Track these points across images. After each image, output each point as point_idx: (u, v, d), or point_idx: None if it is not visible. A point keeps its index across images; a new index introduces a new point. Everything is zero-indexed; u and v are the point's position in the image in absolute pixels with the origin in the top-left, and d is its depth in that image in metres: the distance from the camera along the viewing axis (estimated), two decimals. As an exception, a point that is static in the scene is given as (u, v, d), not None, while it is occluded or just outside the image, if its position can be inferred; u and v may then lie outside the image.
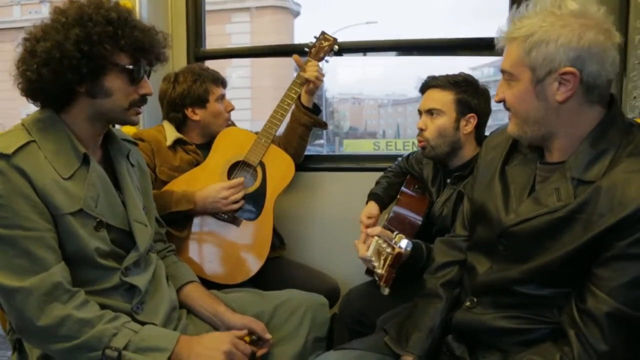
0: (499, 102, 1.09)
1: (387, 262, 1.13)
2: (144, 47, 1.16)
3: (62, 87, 1.13)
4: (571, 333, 0.95)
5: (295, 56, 1.96)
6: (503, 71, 1.05)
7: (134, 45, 1.14)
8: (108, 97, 1.16)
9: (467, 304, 1.14)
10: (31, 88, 1.14)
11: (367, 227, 1.72)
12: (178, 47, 2.29)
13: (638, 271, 0.89)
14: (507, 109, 1.08)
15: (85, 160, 1.17)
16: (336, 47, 1.97)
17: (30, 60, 1.11)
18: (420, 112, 1.68)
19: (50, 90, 1.13)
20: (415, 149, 1.92)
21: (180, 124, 1.90)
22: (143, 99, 1.22)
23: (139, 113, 1.23)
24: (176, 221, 1.72)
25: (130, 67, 1.16)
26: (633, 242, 0.89)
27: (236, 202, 1.76)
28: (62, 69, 1.09)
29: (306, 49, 1.97)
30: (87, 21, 1.10)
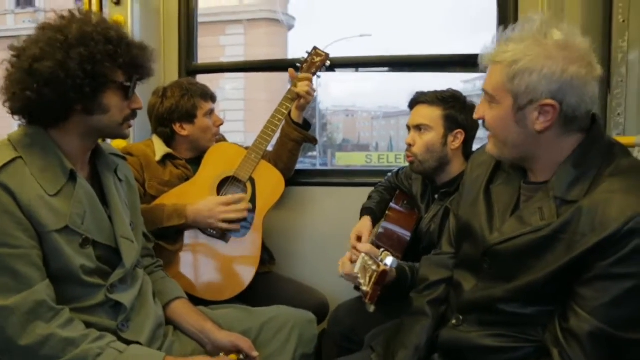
0: (478, 119, 1.10)
1: (372, 280, 1.13)
2: (138, 64, 1.19)
3: (62, 106, 1.13)
4: (554, 352, 0.95)
5: (291, 70, 1.97)
6: (485, 91, 1.06)
7: (130, 63, 1.17)
8: (105, 114, 1.17)
9: (453, 321, 1.14)
10: (29, 107, 1.13)
11: (354, 247, 1.72)
12: (170, 60, 2.29)
13: (619, 291, 0.90)
14: (486, 128, 1.09)
15: (72, 177, 1.16)
16: (328, 62, 1.99)
17: (29, 80, 1.09)
18: (409, 128, 1.70)
19: (49, 109, 1.12)
20: (406, 163, 1.93)
21: (169, 139, 1.90)
22: (134, 113, 1.24)
23: (130, 126, 1.26)
24: (167, 235, 1.71)
25: (127, 84, 1.18)
26: (614, 262, 0.90)
27: (233, 222, 1.75)
28: (65, 89, 1.10)
29: (298, 65, 1.98)
30: (89, 40, 1.11)
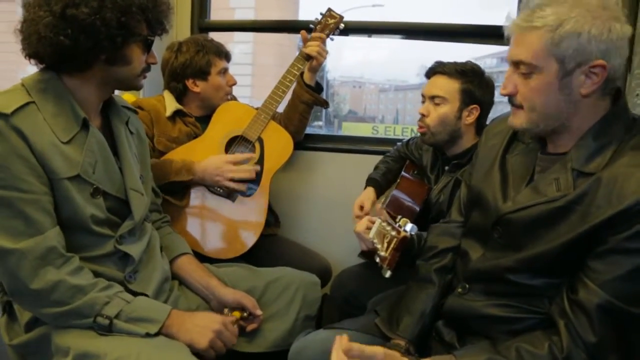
0: (506, 95, 1.04)
1: (392, 246, 1.13)
2: (162, 19, 1.19)
3: (92, 54, 1.11)
4: (561, 323, 0.95)
5: (303, 32, 1.93)
6: (518, 62, 1.00)
7: (156, 18, 1.17)
8: (126, 66, 1.18)
9: (459, 290, 1.14)
10: (59, 52, 1.09)
11: (357, 217, 1.72)
12: (182, 17, 2.25)
13: (632, 265, 0.89)
14: (514, 103, 1.04)
15: (84, 125, 1.15)
16: (342, 25, 1.94)
17: (63, 24, 1.06)
18: (423, 97, 1.67)
19: (79, 56, 1.10)
20: (414, 135, 1.91)
21: (181, 95, 1.88)
22: (149, 67, 1.25)
23: (145, 78, 1.26)
24: (174, 190, 1.71)
25: (151, 37, 1.19)
26: (629, 236, 0.89)
27: (240, 181, 1.74)
28: (99, 38, 1.09)
29: (311, 26, 1.94)
30: None
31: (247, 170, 1.73)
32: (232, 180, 1.72)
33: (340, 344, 0.92)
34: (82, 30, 1.07)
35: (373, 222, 1.31)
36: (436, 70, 1.64)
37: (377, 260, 1.18)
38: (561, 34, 0.93)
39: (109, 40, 1.10)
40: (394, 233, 1.14)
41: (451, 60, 1.64)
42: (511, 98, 1.03)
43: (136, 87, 1.26)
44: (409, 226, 1.13)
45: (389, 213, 1.60)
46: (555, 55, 0.95)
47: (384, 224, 1.21)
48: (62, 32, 1.07)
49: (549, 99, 0.98)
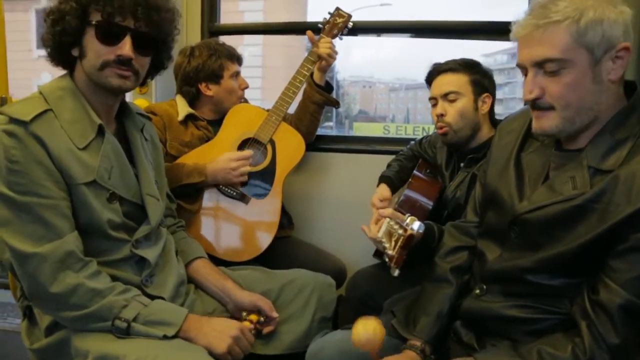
0: (533, 99, 0.98)
1: (399, 244, 1.12)
2: (113, 1, 1.11)
3: (58, 48, 1.15)
4: (582, 324, 0.94)
5: (309, 32, 1.93)
6: (543, 61, 0.95)
7: (106, 2, 1.11)
8: (85, 58, 1.16)
9: (477, 291, 1.13)
10: (50, 52, 1.16)
11: (379, 209, 1.71)
12: (192, 21, 2.26)
13: None
14: (542, 105, 0.98)
15: (100, 132, 1.17)
16: (350, 24, 1.94)
17: (45, 22, 1.14)
18: (433, 100, 1.64)
19: (54, 51, 1.16)
20: (425, 134, 1.90)
21: (194, 99, 1.89)
22: (120, 61, 1.14)
23: (120, 75, 1.15)
24: (187, 194, 1.72)
25: (96, 22, 1.12)
26: None
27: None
28: (51, 29, 1.13)
29: (320, 26, 1.94)
30: None
31: (249, 155, 1.76)
32: (243, 174, 1.73)
33: None
34: (54, 24, 1.12)
35: (379, 219, 1.30)
36: (439, 69, 1.63)
37: (386, 259, 1.18)
38: (586, 23, 0.91)
39: (70, 31, 1.12)
40: (401, 232, 1.14)
41: (460, 57, 1.64)
42: (536, 102, 0.98)
43: (107, 85, 1.16)
44: (416, 224, 1.12)
45: (400, 212, 1.60)
46: (584, 45, 0.92)
47: (392, 222, 1.21)
48: (45, 29, 1.13)
49: (584, 91, 0.95)
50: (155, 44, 1.21)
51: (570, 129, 0.99)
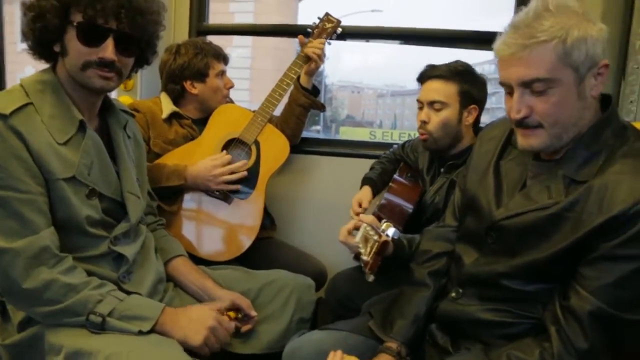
0: (522, 118, 0.98)
1: (373, 250, 1.14)
2: (95, 3, 1.09)
3: (39, 43, 1.14)
4: (552, 329, 0.95)
5: (301, 37, 1.94)
6: (531, 81, 0.95)
7: (86, 3, 1.09)
8: (66, 56, 1.14)
9: (453, 294, 1.14)
10: (30, 46, 1.14)
11: (357, 214, 1.72)
12: (180, 20, 2.26)
13: (622, 272, 0.90)
14: (530, 124, 0.98)
15: (81, 127, 1.16)
16: (339, 29, 1.95)
17: (29, 16, 1.12)
18: (420, 103, 1.65)
19: (34, 46, 1.14)
20: (410, 139, 1.92)
21: (178, 97, 1.89)
22: (103, 63, 1.13)
23: (103, 77, 1.14)
24: (166, 195, 1.71)
25: (77, 23, 1.10)
26: (619, 243, 0.90)
27: (230, 182, 1.75)
28: (31, 25, 1.12)
29: (309, 30, 1.95)
30: None
31: (237, 168, 1.74)
32: (224, 182, 1.73)
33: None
34: (34, 20, 1.11)
35: (358, 227, 1.31)
36: (430, 74, 1.61)
37: (362, 264, 1.19)
38: (572, 42, 0.92)
39: (49, 24, 1.11)
40: (376, 237, 1.15)
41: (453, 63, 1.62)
42: (524, 120, 0.99)
43: (87, 85, 1.15)
44: (391, 230, 1.14)
45: (379, 216, 1.61)
46: (570, 64, 0.93)
47: (369, 228, 1.22)
48: (29, 24, 1.12)
49: (570, 109, 0.97)
50: (138, 44, 1.20)
51: (557, 144, 1.00)
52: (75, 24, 1.11)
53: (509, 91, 1.00)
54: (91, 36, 1.12)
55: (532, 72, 0.94)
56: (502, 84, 1.01)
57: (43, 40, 1.13)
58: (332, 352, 0.99)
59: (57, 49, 1.15)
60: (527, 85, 0.96)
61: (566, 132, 0.98)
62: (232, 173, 1.75)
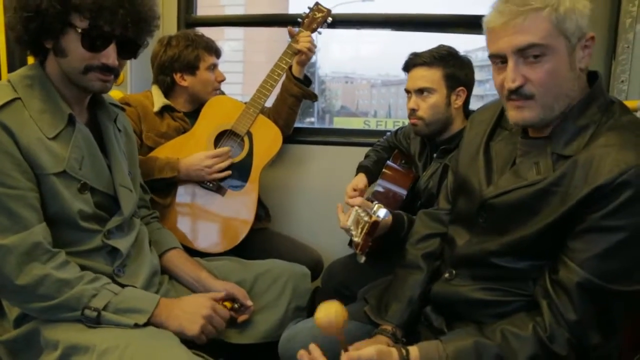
0: (517, 87, 0.97)
1: (364, 230, 1.14)
2: (101, 12, 1.08)
3: (30, 39, 1.12)
4: (543, 303, 0.96)
5: (290, 27, 1.94)
6: (526, 47, 0.95)
7: (90, 9, 1.07)
8: (64, 57, 1.13)
9: (446, 275, 1.15)
10: (13, 34, 1.13)
11: (351, 197, 1.72)
12: (169, 12, 2.24)
13: (609, 243, 0.91)
14: (524, 93, 0.98)
15: (70, 121, 1.15)
16: (330, 19, 1.95)
17: (12, 8, 1.10)
18: (408, 92, 1.66)
19: (24, 39, 1.12)
20: (403, 125, 1.92)
21: (169, 89, 1.88)
22: (105, 67, 1.13)
23: (103, 80, 1.15)
24: (159, 188, 1.71)
25: (82, 30, 1.09)
26: (605, 214, 0.90)
27: (221, 171, 1.75)
28: (25, 24, 1.09)
29: (299, 20, 1.94)
30: None
31: (221, 152, 1.75)
32: (217, 172, 1.73)
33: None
34: (14, 11, 1.09)
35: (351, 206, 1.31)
36: (414, 62, 1.63)
37: (353, 247, 1.19)
38: (564, 11, 0.94)
39: (30, 24, 1.08)
40: (367, 219, 1.15)
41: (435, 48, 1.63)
42: (518, 90, 0.98)
43: (86, 88, 1.16)
44: (382, 212, 1.14)
45: (372, 202, 1.61)
46: (562, 32, 0.95)
47: (360, 210, 1.23)
48: (22, 20, 1.09)
49: (562, 78, 0.97)
50: (138, 48, 1.21)
51: (550, 116, 1.00)
52: (79, 30, 1.09)
53: (500, 63, 1.00)
54: (96, 43, 1.11)
55: (528, 38, 0.94)
56: (492, 56, 1.01)
57: (34, 38, 1.11)
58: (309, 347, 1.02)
59: (48, 45, 1.13)
60: (521, 52, 0.96)
61: (557, 102, 0.99)
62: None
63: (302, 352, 1.03)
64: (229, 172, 1.78)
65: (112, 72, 1.15)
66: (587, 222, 0.92)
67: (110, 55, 1.12)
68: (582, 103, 1.00)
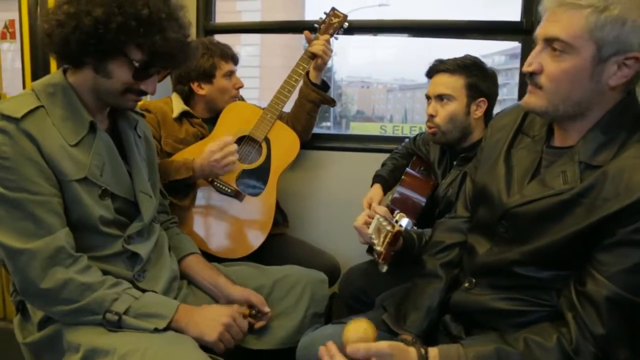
0: (529, 72, 0.98)
1: (387, 240, 1.14)
2: (162, 54, 1.12)
3: (69, 53, 1.12)
4: (569, 315, 0.95)
5: (307, 32, 1.94)
6: (552, 39, 0.94)
7: (151, 49, 1.11)
8: (107, 79, 1.14)
9: (466, 284, 1.14)
10: (46, 40, 1.13)
11: (372, 208, 1.72)
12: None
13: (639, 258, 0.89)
14: (535, 82, 0.98)
15: (92, 128, 1.18)
16: (346, 24, 1.95)
17: (52, 14, 1.11)
18: (428, 97, 1.65)
19: (60, 50, 1.12)
20: (422, 132, 1.91)
21: (187, 97, 1.90)
22: (141, 92, 1.19)
23: (136, 101, 1.21)
24: (177, 190, 1.72)
25: (137, 64, 1.12)
26: (637, 228, 0.88)
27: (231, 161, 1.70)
28: (71, 39, 1.08)
29: (316, 25, 1.95)
30: (114, 7, 1.07)
31: (224, 143, 1.69)
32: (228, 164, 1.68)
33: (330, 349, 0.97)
34: (59, 24, 1.09)
35: (372, 217, 1.31)
36: (437, 68, 1.62)
37: (375, 255, 1.19)
38: (606, 17, 0.89)
39: (80, 44, 1.08)
40: (389, 228, 1.15)
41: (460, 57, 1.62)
42: (532, 77, 0.98)
43: (120, 106, 1.21)
44: (404, 221, 1.14)
45: (392, 209, 1.60)
46: (595, 39, 0.91)
47: (381, 219, 1.22)
48: (48, 20, 1.11)
49: (577, 84, 0.95)
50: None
51: (554, 114, 0.99)
52: (135, 63, 1.12)
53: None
54: (146, 74, 1.16)
55: (555, 30, 0.93)
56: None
57: (80, 55, 1.12)
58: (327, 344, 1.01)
59: (89, 61, 1.13)
60: (547, 42, 0.96)
61: (564, 105, 0.97)
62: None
63: (322, 350, 1.03)
64: (236, 157, 1.71)
65: (146, 94, 1.20)
66: (617, 236, 0.90)
67: (152, 84, 1.18)
68: (612, 112, 0.98)
